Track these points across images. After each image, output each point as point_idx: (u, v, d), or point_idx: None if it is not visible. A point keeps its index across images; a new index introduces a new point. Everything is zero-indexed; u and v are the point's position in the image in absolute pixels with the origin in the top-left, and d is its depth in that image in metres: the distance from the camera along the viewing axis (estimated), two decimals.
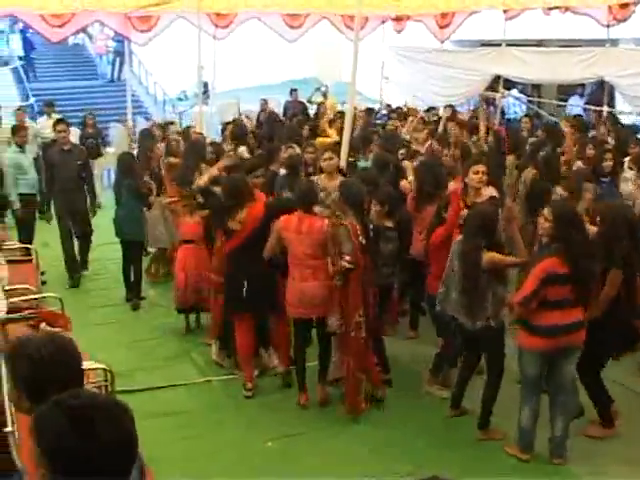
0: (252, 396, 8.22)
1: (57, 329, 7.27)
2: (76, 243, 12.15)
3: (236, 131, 13.32)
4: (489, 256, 6.95)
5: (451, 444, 7.27)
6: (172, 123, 15.89)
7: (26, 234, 11.71)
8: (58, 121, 12.35)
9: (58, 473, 2.50)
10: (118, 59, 27.86)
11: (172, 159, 11.76)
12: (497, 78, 18.39)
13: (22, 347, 3.36)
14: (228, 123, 14.48)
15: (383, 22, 21.36)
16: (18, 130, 12.56)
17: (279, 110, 21.29)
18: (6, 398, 5.02)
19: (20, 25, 26.11)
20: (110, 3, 17.07)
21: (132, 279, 11.19)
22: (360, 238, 7.54)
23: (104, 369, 5.99)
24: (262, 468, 6.87)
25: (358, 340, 7.62)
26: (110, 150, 18.58)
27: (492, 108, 18.93)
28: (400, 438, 7.40)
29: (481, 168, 8.38)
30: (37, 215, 12.79)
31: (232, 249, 8.23)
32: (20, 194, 11.74)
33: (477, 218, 7.14)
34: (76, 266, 12.07)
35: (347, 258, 7.46)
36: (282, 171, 10.15)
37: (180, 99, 27.80)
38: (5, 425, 4.72)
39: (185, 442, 7.30)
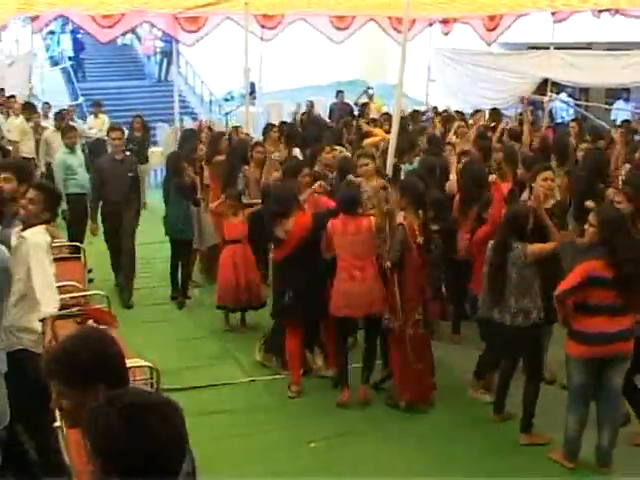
0: (297, 397, 8.28)
1: (104, 327, 7.37)
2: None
3: (290, 133, 13.37)
4: (531, 249, 6.98)
5: (494, 449, 7.23)
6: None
7: (75, 233, 11.79)
8: (113, 128, 11.74)
9: (109, 471, 2.53)
10: (165, 59, 28.10)
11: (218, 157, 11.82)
12: (545, 81, 18.27)
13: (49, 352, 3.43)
14: (271, 125, 14.49)
15: (430, 24, 21.31)
16: (67, 131, 12.66)
17: (325, 111, 21.33)
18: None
19: (70, 26, 26.38)
20: (158, 4, 17.21)
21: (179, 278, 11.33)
22: (418, 238, 7.61)
23: (150, 367, 6.06)
24: (306, 468, 6.89)
25: (416, 337, 7.74)
26: (157, 150, 18.74)
27: (540, 112, 18.79)
28: (443, 442, 7.39)
29: (550, 175, 8.35)
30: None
31: (280, 259, 8.34)
32: (69, 194, 11.82)
33: (507, 216, 7.28)
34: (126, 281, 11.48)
35: (388, 264, 7.66)
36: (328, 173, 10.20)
37: (226, 99, 27.94)
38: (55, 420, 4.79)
39: (229, 441, 7.33)
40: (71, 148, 12.25)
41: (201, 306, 10.96)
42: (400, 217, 7.78)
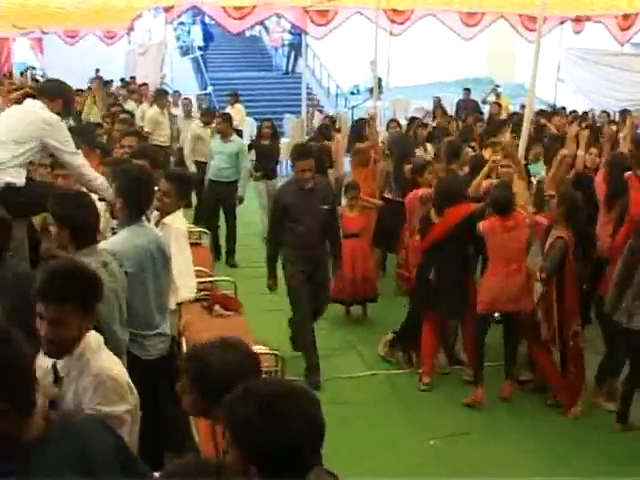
0: (427, 390, 8.25)
1: (230, 312, 7.55)
2: None
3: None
4: None
5: (616, 458, 7.05)
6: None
7: (209, 218, 12.32)
8: (303, 154, 8.28)
9: (247, 459, 2.60)
10: (293, 52, 28.37)
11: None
12: None
13: (204, 353, 3.49)
14: (394, 121, 14.48)
15: (562, 22, 20.95)
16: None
17: (452, 108, 21.23)
18: None
19: (201, 17, 26.89)
20: None
21: None
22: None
23: (275, 355, 6.15)
24: (423, 465, 6.86)
25: (578, 348, 7.72)
26: (284, 141, 18.96)
27: None
28: (564, 449, 7.23)
29: None
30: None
31: (428, 246, 8.31)
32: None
33: None
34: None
35: (543, 275, 7.61)
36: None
37: (352, 93, 28.04)
38: None
39: (347, 434, 7.28)
40: (221, 133, 12.61)
41: None
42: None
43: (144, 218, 5.70)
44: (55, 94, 6.71)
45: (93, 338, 3.79)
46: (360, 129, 12.54)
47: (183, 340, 6.23)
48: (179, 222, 6.48)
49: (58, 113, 6.63)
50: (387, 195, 10.93)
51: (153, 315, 5.45)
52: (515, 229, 7.78)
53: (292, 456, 2.60)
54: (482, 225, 7.86)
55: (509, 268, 7.78)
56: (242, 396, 2.68)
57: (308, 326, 8.55)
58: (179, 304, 6.24)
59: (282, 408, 2.62)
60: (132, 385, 3.78)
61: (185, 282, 6.21)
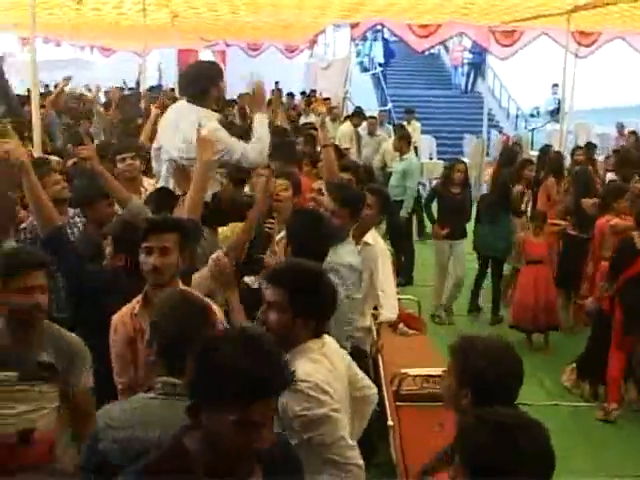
0: (613, 422, 8.03)
1: (413, 331, 7.60)
2: None
3: None
4: None
5: None
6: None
7: (395, 237, 12.50)
8: None
9: None
10: (473, 71, 28.19)
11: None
12: None
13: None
14: (579, 148, 14.21)
15: None
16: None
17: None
18: (386, 394, 5.31)
19: (386, 33, 27.07)
20: (477, 17, 17.28)
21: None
22: None
23: None
24: None
25: None
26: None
27: None
28: None
29: None
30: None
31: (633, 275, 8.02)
32: None
33: None
34: None
35: None
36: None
37: (532, 115, 27.55)
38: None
39: None
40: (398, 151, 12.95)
41: (504, 323, 10.71)
42: None
43: None
44: None
45: (314, 346, 3.77)
46: (560, 167, 12.29)
47: (380, 358, 6.28)
48: (382, 242, 6.56)
49: None
50: (571, 231, 10.58)
51: None
52: None
53: None
54: None
55: None
56: (476, 424, 2.69)
57: None
58: (379, 323, 6.30)
59: (516, 438, 2.58)
60: (327, 389, 3.63)
61: (390, 303, 6.27)
